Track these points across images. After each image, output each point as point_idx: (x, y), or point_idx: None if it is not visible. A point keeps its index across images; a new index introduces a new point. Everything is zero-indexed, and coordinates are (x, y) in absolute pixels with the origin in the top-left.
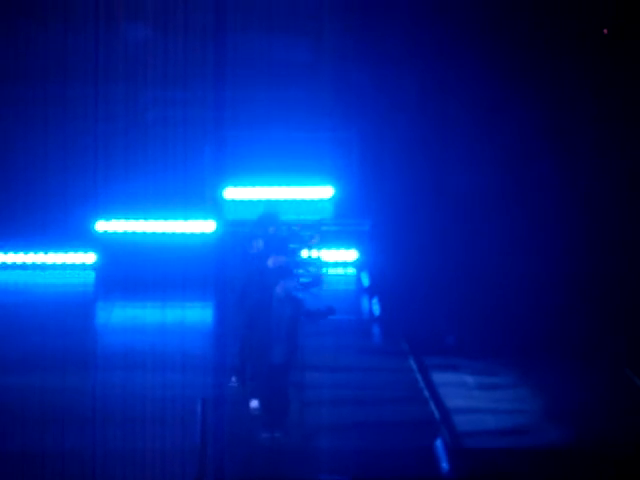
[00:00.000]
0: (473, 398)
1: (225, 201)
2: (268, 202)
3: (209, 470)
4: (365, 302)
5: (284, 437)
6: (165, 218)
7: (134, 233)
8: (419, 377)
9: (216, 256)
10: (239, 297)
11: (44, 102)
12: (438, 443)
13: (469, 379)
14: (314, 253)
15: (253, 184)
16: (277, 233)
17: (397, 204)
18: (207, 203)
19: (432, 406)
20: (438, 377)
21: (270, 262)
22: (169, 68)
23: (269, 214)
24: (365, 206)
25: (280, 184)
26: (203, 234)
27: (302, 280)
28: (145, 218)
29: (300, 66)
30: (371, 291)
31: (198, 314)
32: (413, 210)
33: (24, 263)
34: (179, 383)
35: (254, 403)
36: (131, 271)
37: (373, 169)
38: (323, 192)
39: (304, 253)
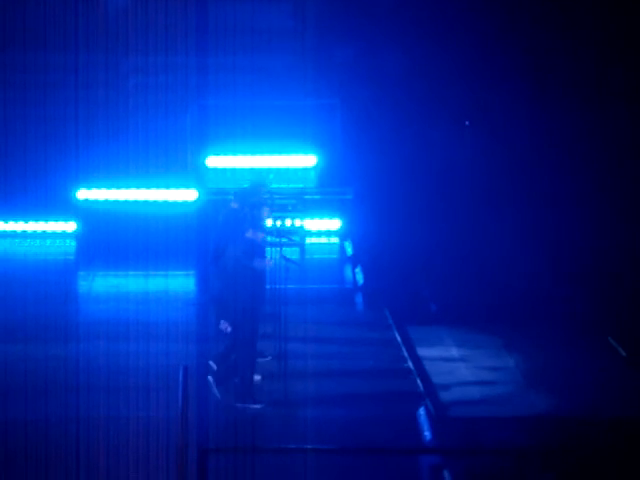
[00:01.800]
0: (456, 368)
1: (207, 169)
2: (255, 172)
3: (192, 438)
4: (348, 271)
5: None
6: (147, 186)
7: (115, 201)
8: (402, 347)
9: (198, 224)
10: (212, 260)
11: (24, 70)
12: (421, 412)
13: (452, 349)
14: (297, 222)
15: (235, 152)
16: (258, 205)
17: (380, 173)
18: (189, 171)
19: (415, 376)
20: (421, 347)
21: (249, 234)
22: (150, 34)
23: (255, 185)
24: (348, 175)
25: (263, 152)
26: (185, 202)
27: (285, 253)
28: (127, 186)
29: (284, 33)
30: (354, 260)
31: (181, 283)
32: (396, 179)
33: (4, 231)
34: (162, 352)
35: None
36: (113, 240)
37: (357, 137)
38: (306, 160)
39: (287, 222)
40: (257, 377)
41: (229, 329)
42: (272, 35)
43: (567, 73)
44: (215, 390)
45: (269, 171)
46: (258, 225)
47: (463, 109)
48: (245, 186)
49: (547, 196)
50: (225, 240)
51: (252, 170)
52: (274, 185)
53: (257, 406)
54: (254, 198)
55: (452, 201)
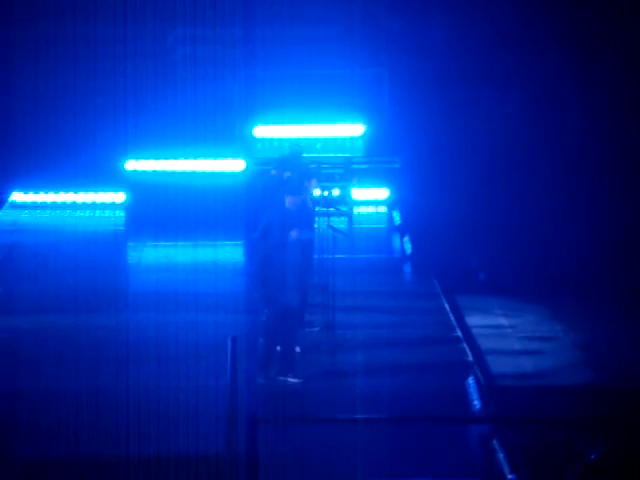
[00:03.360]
0: (505, 337)
1: (255, 139)
2: (291, 142)
3: (241, 408)
4: (396, 240)
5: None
6: (195, 157)
7: (164, 172)
8: (451, 317)
9: (245, 195)
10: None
11: (72, 42)
12: (470, 381)
13: (501, 318)
14: (345, 191)
15: (283, 122)
16: (295, 175)
17: (428, 141)
18: (237, 141)
19: (464, 345)
20: (470, 316)
21: (287, 203)
22: (198, 4)
23: (290, 155)
24: (396, 143)
25: (310, 122)
26: (233, 173)
27: (333, 223)
28: (175, 157)
29: (331, 2)
30: (402, 229)
31: (229, 253)
32: (444, 147)
33: (55, 202)
34: (211, 322)
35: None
36: (162, 210)
37: (404, 106)
38: (354, 129)
39: (335, 191)
40: (297, 349)
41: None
42: (320, 4)
43: (616, 39)
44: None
45: (307, 140)
46: (299, 193)
47: (512, 76)
48: (284, 154)
49: (597, 165)
50: (263, 207)
51: (290, 139)
52: (322, 154)
53: (295, 380)
54: (293, 166)
55: (501, 169)
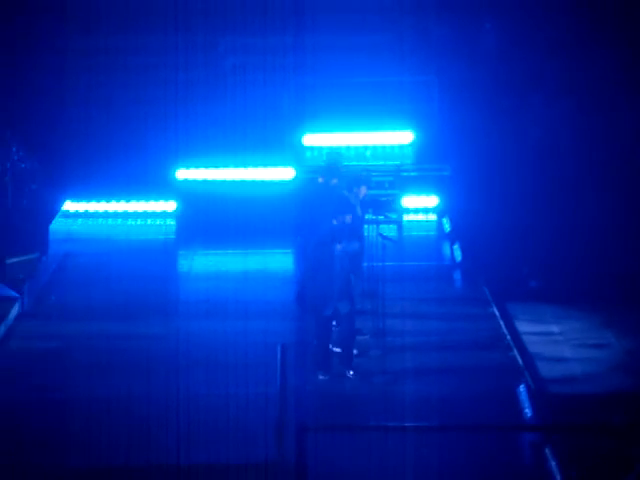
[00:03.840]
0: (556, 344)
1: (304, 147)
2: (330, 151)
3: (290, 415)
4: (446, 248)
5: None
6: (245, 165)
7: (214, 181)
8: (502, 323)
9: (295, 203)
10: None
11: (124, 52)
12: (521, 388)
13: (552, 325)
14: (394, 199)
15: (332, 130)
16: (340, 183)
17: (478, 148)
18: (286, 150)
19: (515, 352)
20: (521, 323)
21: (338, 220)
22: (248, 14)
23: (331, 164)
24: (446, 151)
25: (360, 130)
26: (282, 181)
27: (382, 231)
28: (225, 166)
29: (380, 10)
30: (452, 237)
31: (278, 261)
32: (494, 154)
33: (106, 211)
34: (261, 329)
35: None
36: (212, 219)
37: (454, 113)
38: (403, 137)
39: (384, 199)
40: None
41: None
42: (369, 12)
43: None
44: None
45: (356, 148)
46: (347, 209)
47: (561, 82)
48: (326, 162)
49: None
50: (310, 214)
51: (332, 148)
52: (371, 162)
53: (352, 374)
54: (339, 173)
55: (551, 177)
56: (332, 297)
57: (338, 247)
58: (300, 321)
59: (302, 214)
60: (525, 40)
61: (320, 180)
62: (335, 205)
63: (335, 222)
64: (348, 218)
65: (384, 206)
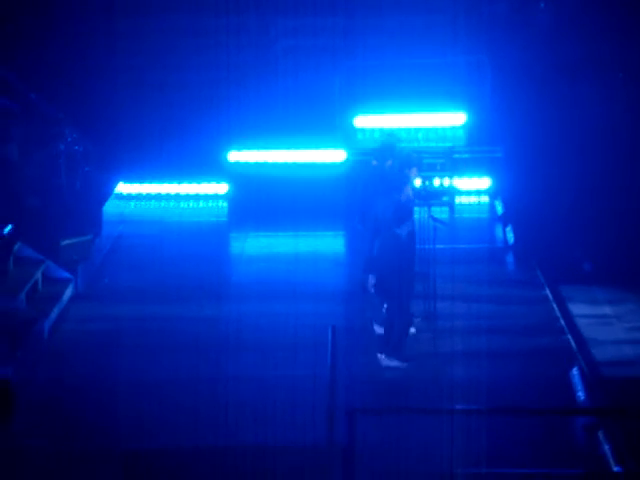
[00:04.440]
0: (610, 327)
1: (355, 129)
2: (384, 133)
3: (340, 398)
4: (499, 230)
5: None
6: (296, 147)
7: (265, 163)
8: (555, 306)
9: (346, 185)
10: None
11: (176, 34)
12: (574, 372)
13: (606, 307)
14: (446, 181)
15: (384, 111)
16: (396, 164)
17: (531, 130)
18: (338, 132)
19: (568, 335)
20: (574, 306)
21: (403, 197)
22: None
23: (385, 146)
24: (498, 132)
25: (411, 111)
26: (334, 163)
27: (434, 213)
28: (276, 147)
29: None
30: (505, 219)
31: (330, 243)
32: (548, 136)
33: (159, 194)
34: (312, 312)
35: (379, 328)
36: (263, 201)
37: (506, 94)
38: (455, 119)
39: (436, 181)
40: (412, 330)
41: (373, 289)
42: None
43: None
44: (380, 355)
45: (408, 130)
46: (405, 184)
47: (616, 63)
48: (379, 144)
49: None
50: (369, 198)
51: (386, 130)
52: (423, 144)
53: (404, 364)
54: (393, 155)
55: (605, 158)
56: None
57: (404, 227)
58: (351, 303)
59: (358, 197)
60: (579, 21)
61: (374, 163)
62: (394, 182)
63: (403, 197)
64: (405, 194)
65: (436, 188)
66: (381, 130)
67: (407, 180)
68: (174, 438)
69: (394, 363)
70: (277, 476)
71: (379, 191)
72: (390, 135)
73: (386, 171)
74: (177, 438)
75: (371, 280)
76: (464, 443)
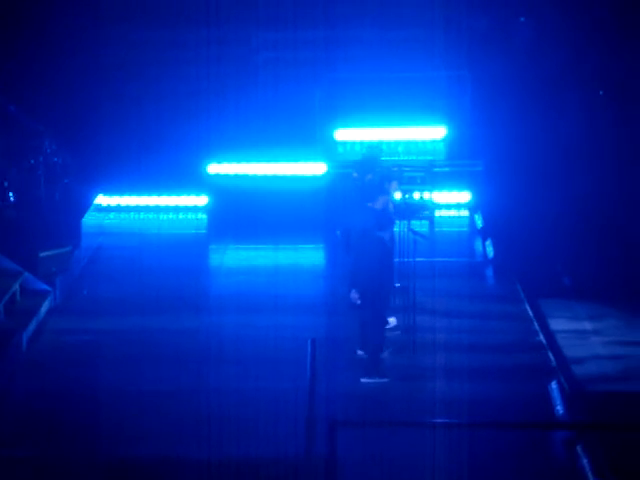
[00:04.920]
0: (590, 342)
1: (335, 142)
2: (366, 146)
3: (320, 411)
4: (479, 244)
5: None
6: (276, 160)
7: (245, 176)
8: (534, 321)
9: (326, 198)
10: (344, 238)
11: (157, 46)
12: (553, 386)
13: (585, 322)
14: (426, 194)
15: (364, 125)
16: (376, 178)
17: (511, 144)
18: (318, 144)
19: (547, 350)
20: (554, 321)
21: (377, 204)
22: (280, 9)
23: (367, 159)
24: (478, 146)
25: (392, 125)
26: (314, 176)
27: (413, 226)
28: (256, 160)
29: (412, 5)
30: (484, 233)
31: (310, 256)
32: (527, 150)
33: (138, 205)
34: (291, 324)
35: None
36: (243, 214)
37: (486, 109)
38: (435, 132)
39: (416, 195)
40: (385, 353)
41: (359, 301)
42: (401, 7)
43: None
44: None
45: (388, 143)
46: (383, 194)
47: (596, 80)
48: (363, 156)
49: None
50: (349, 210)
51: (369, 142)
52: (403, 157)
53: (383, 380)
54: (373, 168)
55: (584, 173)
56: (367, 286)
57: (380, 235)
58: (331, 316)
59: (339, 209)
60: (559, 36)
61: (354, 175)
62: (369, 194)
63: (376, 205)
64: (379, 203)
65: (416, 202)
66: (362, 143)
67: (386, 193)
68: (154, 449)
69: (373, 380)
70: None
71: (357, 203)
72: (372, 148)
73: (365, 184)
74: (157, 449)
75: (354, 294)
76: (444, 457)
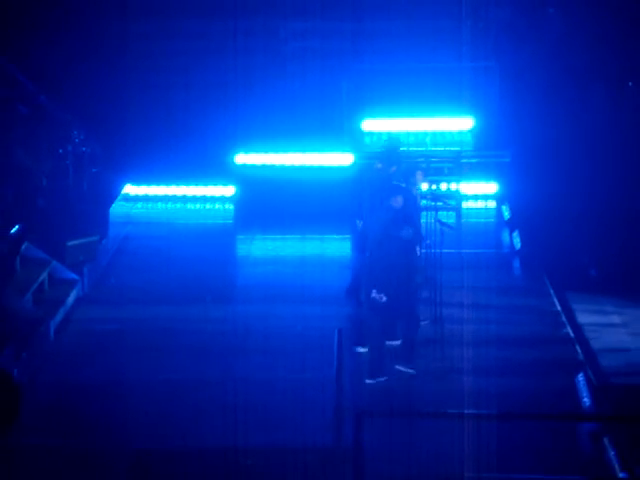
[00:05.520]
0: (617, 335)
1: (363, 133)
2: (389, 137)
3: (347, 400)
4: (506, 235)
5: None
6: (303, 150)
7: (272, 166)
8: (562, 314)
9: (353, 189)
10: (361, 233)
11: (185, 37)
12: (580, 379)
13: (613, 315)
14: (453, 185)
15: (392, 115)
16: (398, 170)
17: (539, 135)
18: (345, 135)
19: (575, 343)
20: (581, 314)
21: (393, 202)
22: None
23: (390, 150)
24: (506, 137)
25: (419, 115)
26: (341, 167)
27: (440, 217)
28: (284, 151)
29: None
30: (512, 224)
31: (336, 246)
32: (555, 141)
33: (166, 195)
34: (318, 314)
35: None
36: (270, 204)
37: (514, 100)
38: (463, 123)
39: (443, 185)
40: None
41: (384, 299)
42: None
43: None
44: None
45: (416, 134)
46: (402, 191)
47: (625, 70)
48: (386, 148)
49: None
50: (367, 206)
51: (391, 134)
52: (430, 148)
53: (412, 371)
54: (397, 160)
55: (611, 165)
56: (390, 285)
57: (402, 233)
58: (357, 306)
59: (361, 200)
60: (588, 27)
61: (378, 166)
62: (386, 190)
63: (393, 203)
64: (396, 201)
65: (443, 193)
66: (388, 134)
67: (411, 186)
68: (182, 438)
69: (404, 368)
70: (285, 477)
71: (380, 195)
72: (392, 139)
73: (389, 176)
74: (185, 438)
75: (375, 294)
76: (471, 448)
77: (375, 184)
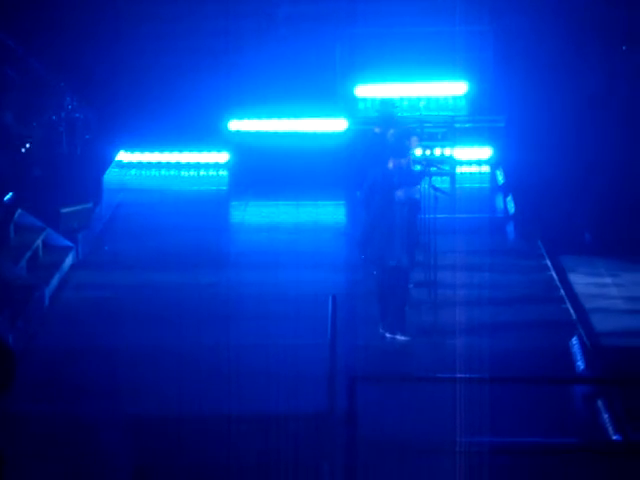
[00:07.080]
0: (610, 297)
1: (356, 99)
2: (383, 102)
3: (340, 366)
4: (499, 200)
5: (406, 339)
6: (297, 116)
7: (266, 133)
8: (555, 276)
9: (347, 154)
10: (365, 197)
11: (177, 2)
12: (574, 341)
13: (606, 278)
14: (447, 151)
15: (385, 81)
16: (395, 135)
17: (533, 100)
18: (339, 101)
19: (568, 305)
20: (575, 276)
21: (390, 165)
22: None
23: (386, 115)
24: (500, 102)
25: (413, 80)
26: (335, 133)
27: (434, 182)
28: (277, 116)
29: None
30: (505, 189)
31: (330, 213)
32: (549, 106)
33: (159, 162)
34: (311, 280)
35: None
36: (264, 170)
37: (509, 64)
38: (457, 88)
39: (437, 151)
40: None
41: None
42: None
43: None
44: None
45: (410, 99)
46: (402, 153)
47: (620, 34)
48: (381, 112)
49: None
50: (367, 166)
51: (386, 99)
52: (424, 113)
53: (405, 338)
54: (395, 123)
55: (607, 127)
56: (395, 247)
57: (399, 194)
58: (351, 273)
59: (358, 165)
60: None
61: (377, 130)
62: (392, 150)
63: (391, 165)
64: (404, 161)
65: (437, 158)
66: (382, 99)
67: (406, 150)
68: (176, 404)
69: (397, 336)
70: (279, 443)
71: (379, 159)
72: (386, 104)
73: (388, 140)
74: (179, 404)
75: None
76: (464, 412)
77: (374, 149)
